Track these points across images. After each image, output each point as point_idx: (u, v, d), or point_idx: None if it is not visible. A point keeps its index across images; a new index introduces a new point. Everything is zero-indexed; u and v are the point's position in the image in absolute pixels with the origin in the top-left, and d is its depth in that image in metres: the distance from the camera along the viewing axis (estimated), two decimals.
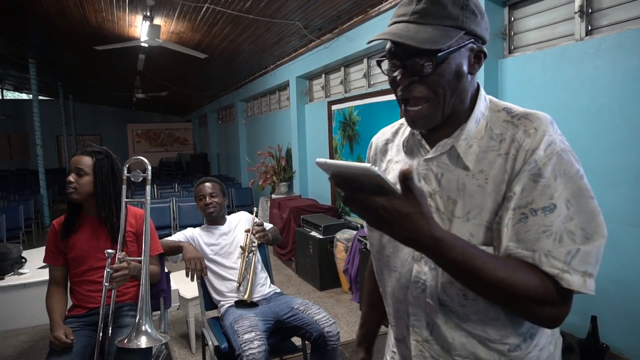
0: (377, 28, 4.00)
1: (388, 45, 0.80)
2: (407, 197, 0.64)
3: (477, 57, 0.80)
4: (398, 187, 0.64)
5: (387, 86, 4.21)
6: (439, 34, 0.74)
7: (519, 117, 0.80)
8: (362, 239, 3.76)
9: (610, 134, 2.25)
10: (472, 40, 0.78)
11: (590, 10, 2.42)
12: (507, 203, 0.75)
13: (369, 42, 0.84)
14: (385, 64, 0.82)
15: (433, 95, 0.78)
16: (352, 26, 4.33)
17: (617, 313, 2.24)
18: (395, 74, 0.79)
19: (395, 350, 0.99)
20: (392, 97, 4.05)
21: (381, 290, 0.99)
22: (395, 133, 1.00)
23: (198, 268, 2.29)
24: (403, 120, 0.98)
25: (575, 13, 2.46)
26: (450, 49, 0.75)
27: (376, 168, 0.60)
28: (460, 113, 0.83)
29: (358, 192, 0.65)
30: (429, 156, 0.85)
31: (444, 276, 0.80)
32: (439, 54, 0.74)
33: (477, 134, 0.82)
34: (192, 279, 2.30)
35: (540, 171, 0.73)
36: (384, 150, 1.02)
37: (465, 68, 0.78)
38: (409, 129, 0.92)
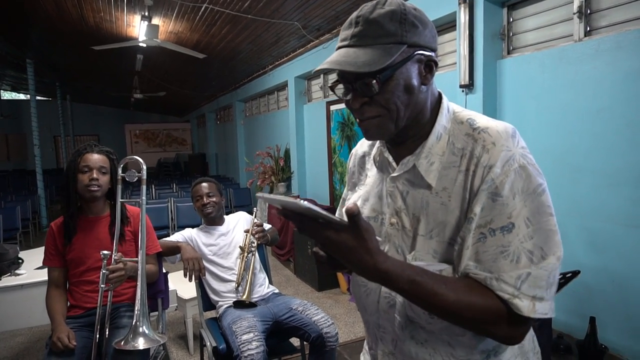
0: None
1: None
2: (353, 231, 0.67)
3: (428, 67, 0.79)
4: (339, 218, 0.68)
5: None
6: (378, 53, 0.73)
7: (479, 131, 0.78)
8: None
9: (611, 135, 2.25)
10: (418, 51, 0.77)
11: (589, 11, 2.42)
12: (469, 224, 0.75)
13: (315, 71, 0.87)
14: (339, 88, 0.83)
15: (386, 112, 0.77)
16: None
17: (616, 314, 2.24)
18: (348, 97, 0.80)
19: (368, 357, 1.01)
20: None
21: (355, 300, 1.01)
22: (372, 145, 0.99)
23: (196, 268, 2.27)
24: None
25: (574, 14, 2.46)
26: (394, 66, 0.74)
27: (304, 202, 0.63)
28: (421, 127, 0.82)
29: (307, 223, 0.67)
30: (394, 174, 0.85)
31: None
32: (382, 73, 0.74)
33: (439, 150, 0.81)
34: (190, 279, 2.29)
35: (497, 190, 0.73)
36: (362, 163, 1.02)
37: (415, 81, 0.77)
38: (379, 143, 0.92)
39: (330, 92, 5.45)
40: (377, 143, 0.94)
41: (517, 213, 0.72)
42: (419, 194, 0.82)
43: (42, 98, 13.93)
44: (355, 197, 0.98)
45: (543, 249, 0.72)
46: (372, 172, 0.96)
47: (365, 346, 1.03)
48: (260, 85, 7.46)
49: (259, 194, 0.72)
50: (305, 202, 0.63)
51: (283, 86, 6.78)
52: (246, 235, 2.47)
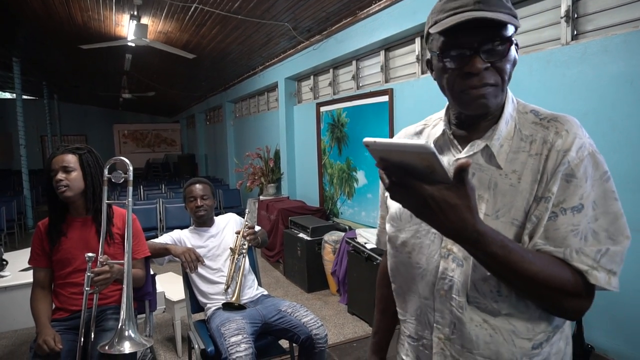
0: (366, 30, 4.01)
1: (444, 39, 0.79)
2: (458, 188, 0.64)
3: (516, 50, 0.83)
4: (449, 174, 0.64)
5: (375, 88, 4.21)
6: (509, 18, 0.76)
7: (548, 120, 0.84)
8: (350, 241, 3.75)
9: (597, 139, 2.25)
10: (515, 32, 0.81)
11: (576, 16, 2.45)
12: (546, 203, 0.77)
13: (443, 29, 0.79)
14: (435, 58, 0.84)
15: (500, 82, 0.80)
16: (341, 28, 4.33)
17: (602, 314, 2.27)
18: (465, 61, 0.78)
19: (409, 350, 0.98)
20: (380, 99, 4.05)
21: (395, 287, 1.00)
22: (420, 134, 1.00)
23: (193, 258, 2.28)
24: (426, 121, 1.01)
25: (562, 18, 2.49)
26: (513, 36, 0.78)
27: (432, 146, 0.59)
28: (495, 110, 0.86)
29: (407, 177, 0.64)
30: (461, 155, 0.87)
31: (475, 273, 0.81)
32: (513, 38, 0.77)
33: (507, 135, 0.84)
34: (192, 271, 2.33)
35: (572, 171, 0.77)
36: None
37: (517, 58, 0.82)
38: (436, 129, 0.94)
39: (321, 94, 5.46)
40: (428, 130, 0.97)
41: (587, 195, 0.76)
42: (486, 175, 0.83)
43: (28, 97, 13.72)
44: None
45: (609, 230, 0.76)
46: None
47: (407, 339, 0.98)
48: (251, 86, 7.44)
49: (367, 139, 0.62)
50: (432, 146, 0.59)
51: (273, 87, 6.76)
52: (237, 236, 2.46)
